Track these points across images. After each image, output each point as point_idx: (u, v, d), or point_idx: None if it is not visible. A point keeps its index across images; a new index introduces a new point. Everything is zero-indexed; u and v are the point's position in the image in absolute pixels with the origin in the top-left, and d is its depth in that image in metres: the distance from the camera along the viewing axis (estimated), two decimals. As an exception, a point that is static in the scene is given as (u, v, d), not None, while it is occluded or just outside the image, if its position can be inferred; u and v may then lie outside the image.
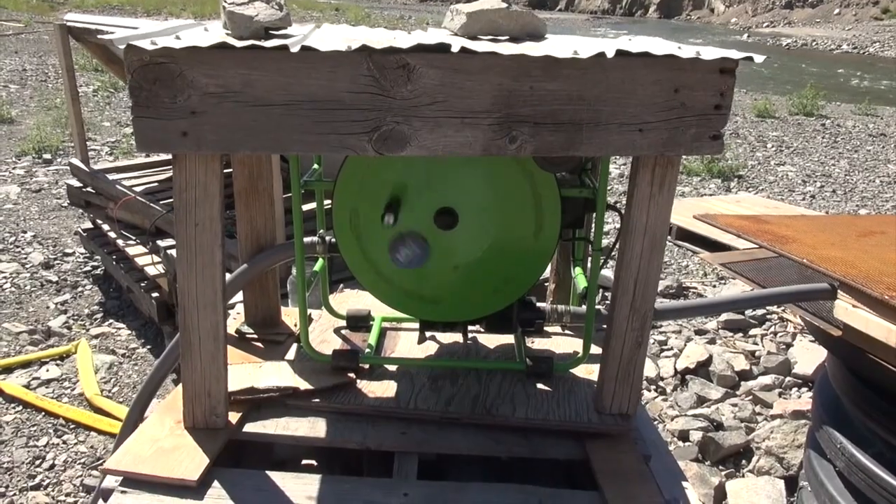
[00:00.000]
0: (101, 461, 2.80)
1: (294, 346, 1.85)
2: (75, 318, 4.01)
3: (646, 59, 1.28)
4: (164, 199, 3.90)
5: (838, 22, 43.02)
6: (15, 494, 2.63)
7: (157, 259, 3.64)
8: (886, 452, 1.84)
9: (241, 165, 1.83)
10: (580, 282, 1.81)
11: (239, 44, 1.27)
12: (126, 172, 4.53)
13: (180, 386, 1.49)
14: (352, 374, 1.68)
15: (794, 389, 3.17)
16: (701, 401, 3.08)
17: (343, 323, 1.95)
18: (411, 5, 45.32)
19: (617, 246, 1.54)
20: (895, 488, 1.77)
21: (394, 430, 1.53)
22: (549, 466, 1.58)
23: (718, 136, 1.35)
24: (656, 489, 1.41)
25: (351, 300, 2.10)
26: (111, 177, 4.35)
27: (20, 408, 3.14)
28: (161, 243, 3.58)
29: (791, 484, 2.42)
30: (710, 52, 1.30)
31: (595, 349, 1.69)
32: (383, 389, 1.64)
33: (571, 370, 1.74)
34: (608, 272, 4.55)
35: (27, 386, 3.30)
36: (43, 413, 3.10)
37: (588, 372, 1.73)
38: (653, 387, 3.26)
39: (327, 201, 1.72)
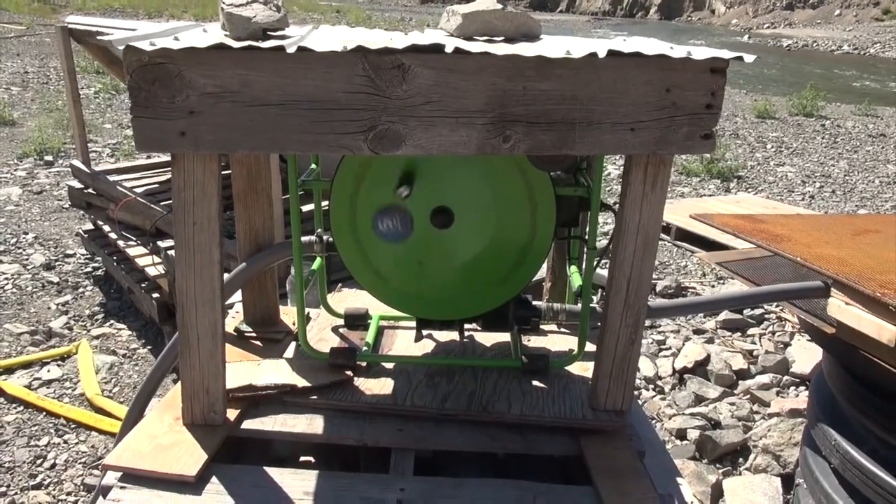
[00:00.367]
0: (102, 460, 2.82)
1: (292, 345, 1.87)
2: (76, 318, 4.03)
3: (637, 59, 1.29)
4: (165, 201, 3.92)
5: (839, 23, 43.01)
6: (16, 493, 2.65)
7: (157, 260, 3.66)
8: (881, 449, 1.85)
9: (240, 166, 1.85)
10: (575, 280, 1.82)
11: (236, 44, 1.29)
12: (127, 174, 4.55)
13: (179, 384, 1.51)
14: (349, 372, 1.69)
15: (792, 388, 3.18)
16: (699, 400, 3.09)
17: (341, 322, 1.97)
18: (412, 7, 45.39)
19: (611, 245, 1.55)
20: (889, 485, 1.78)
21: (391, 426, 1.55)
22: (545, 463, 1.59)
23: (710, 135, 1.36)
24: (650, 485, 1.43)
25: (349, 299, 2.11)
26: (112, 178, 4.38)
27: (21, 408, 3.16)
28: (161, 244, 3.60)
29: (788, 481, 2.43)
30: (700, 53, 1.31)
31: (590, 347, 1.70)
32: (380, 387, 1.65)
33: (567, 367, 1.75)
34: (604, 271, 4.57)
35: (28, 386, 3.32)
36: (44, 413, 3.12)
37: (583, 369, 1.74)
38: (651, 386, 3.27)
39: (325, 201, 1.74)
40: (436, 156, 1.54)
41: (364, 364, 1.74)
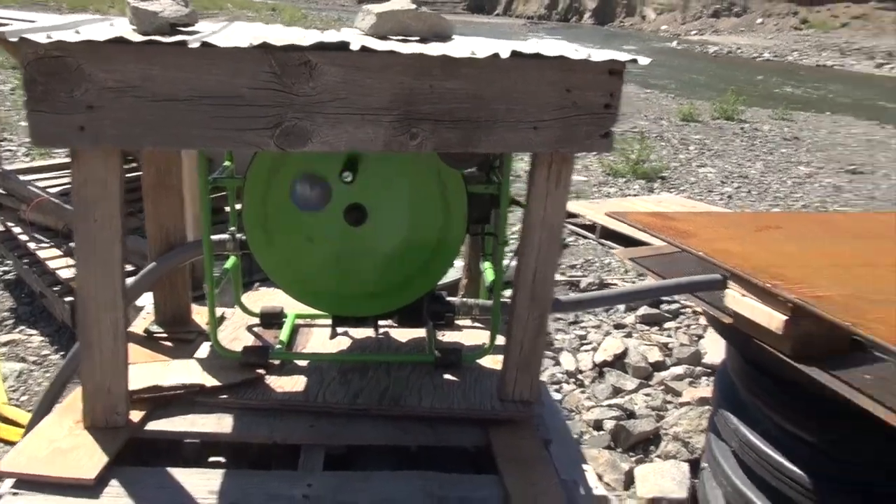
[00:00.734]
0: None
1: (205, 345, 1.84)
2: (-16, 324, 3.84)
3: (539, 60, 1.34)
4: (80, 199, 3.77)
5: (761, 31, 45.02)
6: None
7: (72, 262, 3.52)
8: (773, 430, 1.97)
9: (149, 162, 1.81)
10: (488, 275, 1.86)
11: (136, 38, 1.27)
12: (40, 173, 4.36)
13: (80, 386, 1.47)
14: (261, 371, 1.69)
15: (704, 378, 3.32)
16: (616, 391, 3.20)
17: (257, 321, 1.95)
18: (349, 7, 44.99)
19: None
20: (778, 462, 1.90)
21: (302, 423, 1.55)
22: (457, 454, 1.62)
23: (608, 134, 1.42)
24: (553, 472, 1.48)
25: (266, 298, 2.10)
26: (25, 178, 4.19)
27: (-78, 418, 2.98)
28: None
29: (695, 466, 2.55)
30: (599, 55, 1.37)
31: (503, 340, 1.75)
32: (292, 384, 1.65)
33: (479, 361, 1.79)
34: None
35: (-69, 395, 3.14)
36: (-53, 423, 2.96)
37: (496, 362, 1.78)
38: (572, 379, 3.36)
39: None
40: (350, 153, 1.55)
41: (277, 362, 1.73)
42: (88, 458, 1.35)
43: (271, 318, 1.93)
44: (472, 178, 1.74)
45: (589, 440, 2.87)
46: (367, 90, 1.32)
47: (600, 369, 3.42)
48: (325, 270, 1.71)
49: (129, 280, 1.61)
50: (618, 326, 3.94)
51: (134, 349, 1.66)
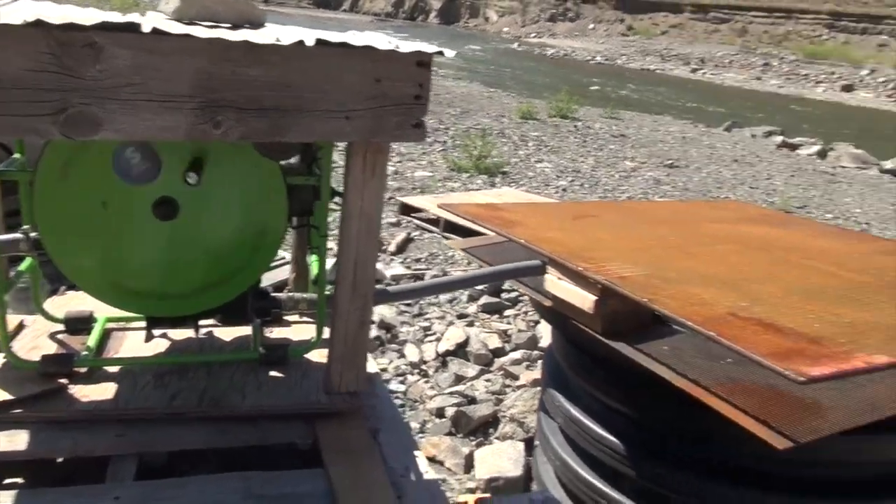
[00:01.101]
0: None
1: (-1, 357, 1.66)
2: None
3: (346, 49, 1.34)
4: None
5: (593, 36, 48.18)
6: None
7: None
8: (592, 404, 2.10)
9: (-81, 155, 1.61)
10: (314, 268, 1.84)
11: None
12: None
13: None
14: (64, 380, 1.55)
15: (540, 361, 3.49)
16: (459, 379, 3.29)
17: (62, 327, 1.79)
18: (185, -5, 42.55)
19: None
20: (599, 434, 2.04)
21: (110, 433, 1.45)
22: (289, 452, 1.59)
23: (420, 124, 1.45)
24: (380, 460, 1.49)
25: (74, 302, 1.93)
26: None
27: None
28: None
29: (529, 444, 2.68)
30: (407, 46, 1.39)
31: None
32: (100, 392, 1.53)
33: (307, 355, 1.76)
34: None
35: None
36: None
37: (324, 356, 1.77)
38: (416, 370, 3.41)
39: None
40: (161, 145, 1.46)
41: (84, 370, 1.60)
42: None
43: (78, 324, 1.78)
44: (292, 170, 1.71)
45: (431, 428, 2.92)
46: (166, 76, 1.26)
47: (443, 359, 3.50)
48: (134, 270, 1.61)
49: None
50: (461, 316, 4.05)
51: None
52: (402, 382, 3.32)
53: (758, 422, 1.47)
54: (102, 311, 1.78)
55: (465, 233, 5.24)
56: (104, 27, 1.19)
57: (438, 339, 3.68)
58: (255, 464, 1.56)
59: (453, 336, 3.64)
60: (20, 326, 1.79)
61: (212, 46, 1.25)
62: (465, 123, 10.55)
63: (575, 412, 2.15)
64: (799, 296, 1.82)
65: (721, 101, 21.93)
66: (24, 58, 1.18)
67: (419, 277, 4.70)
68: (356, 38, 1.42)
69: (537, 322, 3.98)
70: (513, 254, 2.58)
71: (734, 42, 42.41)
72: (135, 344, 1.76)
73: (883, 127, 19.52)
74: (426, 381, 3.32)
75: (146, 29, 1.21)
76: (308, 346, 1.77)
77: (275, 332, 1.90)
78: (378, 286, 1.75)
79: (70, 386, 1.54)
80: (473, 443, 2.82)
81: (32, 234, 1.62)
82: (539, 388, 3.02)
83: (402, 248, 5.21)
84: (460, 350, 3.58)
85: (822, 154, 12.28)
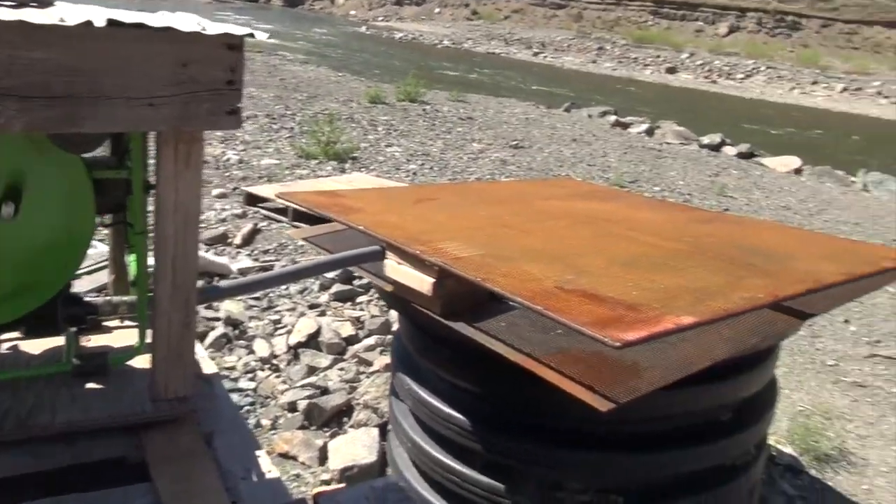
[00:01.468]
0: None
1: None
2: None
3: (143, 30, 1.24)
4: None
5: (439, 20, 48.81)
6: None
7: None
8: (438, 384, 2.14)
9: None
10: (132, 268, 1.71)
11: None
12: None
13: None
14: None
15: (393, 346, 3.51)
16: (311, 371, 3.22)
17: None
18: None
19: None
20: (446, 413, 2.08)
21: None
22: (119, 468, 1.47)
23: (235, 111, 1.38)
24: (213, 465, 1.42)
25: None
26: None
27: None
28: None
29: (383, 430, 2.68)
30: (214, 28, 1.31)
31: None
32: None
33: (130, 362, 1.64)
34: (214, 257, 4.47)
35: None
36: None
37: (149, 362, 1.65)
38: (266, 366, 3.30)
39: None
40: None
41: None
42: None
43: None
44: (100, 163, 1.57)
45: (284, 423, 2.84)
46: (-73, 60, 1.10)
47: (295, 351, 3.41)
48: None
49: None
50: (312, 306, 3.96)
51: None
52: (251, 379, 3.21)
53: (583, 387, 1.55)
54: None
55: (314, 221, 5.14)
56: None
57: (289, 332, 3.58)
58: (84, 484, 1.43)
59: (304, 327, 3.56)
60: None
61: (-21, 27, 1.11)
62: (313, 108, 10.32)
63: (423, 394, 2.18)
64: (620, 266, 1.94)
65: (561, 83, 23.08)
66: None
67: (268, 269, 4.55)
68: (160, 19, 1.31)
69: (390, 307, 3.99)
70: (354, 241, 2.55)
71: (571, 27, 44.73)
72: (-80, 366, 1.55)
73: (701, 106, 21.47)
74: (277, 376, 3.23)
75: None
76: (131, 352, 1.65)
77: (94, 340, 1.75)
78: (208, 283, 1.67)
79: None
80: (327, 434, 2.78)
81: None
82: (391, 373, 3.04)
83: (248, 241, 5.01)
84: (312, 341, 3.50)
85: (650, 132, 13.27)
